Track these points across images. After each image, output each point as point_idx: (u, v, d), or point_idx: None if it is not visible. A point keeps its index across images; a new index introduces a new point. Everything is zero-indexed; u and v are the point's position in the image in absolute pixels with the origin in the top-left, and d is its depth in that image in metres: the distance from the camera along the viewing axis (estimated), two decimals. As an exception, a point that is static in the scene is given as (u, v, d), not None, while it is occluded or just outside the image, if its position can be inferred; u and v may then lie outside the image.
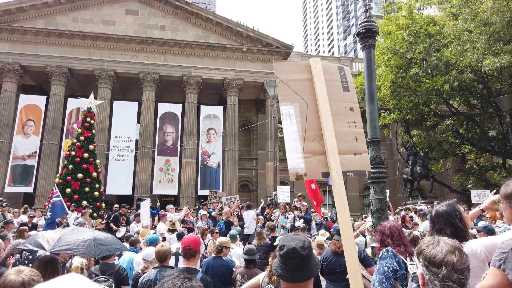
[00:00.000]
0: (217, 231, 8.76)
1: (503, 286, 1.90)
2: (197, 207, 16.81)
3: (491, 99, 19.39)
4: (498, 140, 20.43)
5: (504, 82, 18.53)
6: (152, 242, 6.14)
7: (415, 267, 3.09)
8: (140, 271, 5.23)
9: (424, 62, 19.44)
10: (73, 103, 22.38)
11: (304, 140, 2.28)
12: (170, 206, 12.83)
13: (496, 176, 22.12)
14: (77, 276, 0.69)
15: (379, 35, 7.30)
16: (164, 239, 8.43)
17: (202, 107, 24.21)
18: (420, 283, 1.67)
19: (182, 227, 10.73)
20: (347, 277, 4.58)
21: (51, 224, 10.04)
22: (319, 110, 2.34)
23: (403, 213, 13.40)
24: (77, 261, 4.35)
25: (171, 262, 5.81)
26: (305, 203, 13.01)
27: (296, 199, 14.67)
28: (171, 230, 8.82)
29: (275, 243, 7.31)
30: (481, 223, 9.68)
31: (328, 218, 12.77)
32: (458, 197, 23.87)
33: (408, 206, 16.14)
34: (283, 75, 2.43)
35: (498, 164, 21.74)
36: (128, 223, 13.11)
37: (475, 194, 15.12)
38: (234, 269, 5.45)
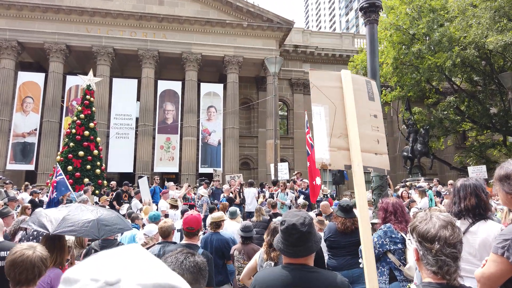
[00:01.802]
0: (217, 208, 8.85)
1: (505, 273, 1.90)
2: (197, 184, 16.93)
3: (494, 75, 19.21)
4: (500, 117, 20.37)
5: (507, 58, 18.32)
6: (154, 219, 6.22)
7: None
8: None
9: (427, 38, 19.16)
10: (72, 81, 22.20)
11: (331, 136, 2.59)
12: (171, 184, 12.93)
13: (496, 153, 22.16)
14: (139, 248, 0.68)
15: (382, 10, 7.14)
16: (166, 216, 8.54)
17: (202, 84, 24.02)
18: (415, 258, 1.70)
19: (184, 204, 10.84)
20: (360, 264, 4.66)
21: (56, 203, 10.11)
22: (346, 113, 2.66)
23: (401, 190, 13.52)
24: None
25: (176, 238, 5.91)
26: (306, 180, 13.09)
27: (294, 177, 14.78)
28: (174, 207, 8.92)
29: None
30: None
31: (328, 195, 12.87)
32: (458, 174, 23.99)
33: (407, 183, 16.26)
34: (317, 81, 2.71)
35: (498, 141, 21.75)
36: (130, 200, 13.21)
37: (472, 171, 15.31)
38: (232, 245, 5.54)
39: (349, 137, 2.58)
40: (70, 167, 14.35)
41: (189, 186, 13.51)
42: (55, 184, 10.43)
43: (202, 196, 12.13)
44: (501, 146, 21.14)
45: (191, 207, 10.82)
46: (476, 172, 15.17)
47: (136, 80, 23.02)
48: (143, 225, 8.08)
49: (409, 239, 1.79)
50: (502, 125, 20.34)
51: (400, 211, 3.73)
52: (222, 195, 12.68)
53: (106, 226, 3.75)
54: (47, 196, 12.65)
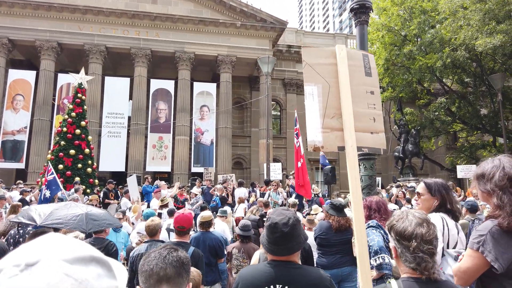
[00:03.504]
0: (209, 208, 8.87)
1: (480, 267, 1.97)
2: (189, 184, 16.90)
3: (484, 77, 19.43)
4: (490, 118, 20.61)
5: (497, 60, 18.53)
6: (148, 217, 6.24)
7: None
8: (134, 245, 5.31)
9: (418, 39, 19.34)
10: (63, 79, 22.03)
11: (324, 117, 2.45)
12: (162, 183, 12.90)
13: (486, 154, 22.40)
14: (59, 235, 0.71)
15: (372, 11, 7.21)
16: (160, 215, 8.52)
17: (195, 83, 23.98)
18: (393, 256, 1.74)
19: (174, 205, 10.80)
20: (355, 253, 4.71)
21: (47, 202, 10.04)
22: (340, 91, 2.50)
23: (394, 190, 13.63)
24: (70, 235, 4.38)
25: (165, 237, 5.91)
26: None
27: (291, 177, 14.83)
28: (163, 206, 8.92)
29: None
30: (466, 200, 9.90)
31: (319, 195, 12.92)
32: (449, 174, 24.24)
33: (399, 183, 16.40)
34: (310, 59, 2.56)
35: (488, 142, 22.01)
36: (117, 199, 13.12)
37: (461, 170, 15.49)
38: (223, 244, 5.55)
39: (343, 117, 2.47)
40: (61, 166, 14.26)
41: (182, 187, 13.43)
42: (46, 183, 10.37)
43: (196, 194, 12.18)
44: (491, 147, 21.38)
45: (179, 209, 10.77)
46: (465, 171, 15.36)
47: (128, 79, 22.90)
48: (132, 223, 8.07)
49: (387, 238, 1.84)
50: (492, 126, 20.58)
51: (384, 208, 3.78)
52: (215, 195, 12.68)
53: (95, 221, 3.77)
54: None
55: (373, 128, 2.60)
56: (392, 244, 1.74)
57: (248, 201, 12.59)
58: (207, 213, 5.82)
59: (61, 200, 10.26)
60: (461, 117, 21.31)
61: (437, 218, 2.74)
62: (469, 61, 18.78)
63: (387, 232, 1.78)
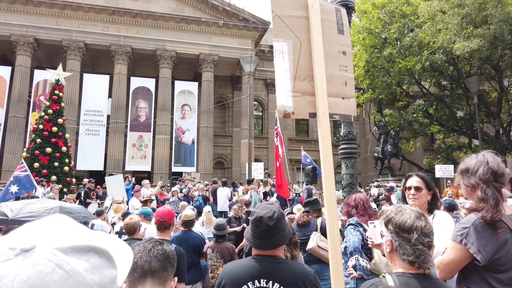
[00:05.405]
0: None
1: (463, 259, 1.99)
2: (169, 184, 16.72)
3: (461, 80, 19.94)
4: (465, 120, 21.17)
5: (473, 64, 19.04)
6: (146, 215, 6.17)
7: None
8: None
9: (398, 42, 19.70)
10: (40, 75, 21.41)
11: (295, 79, 2.23)
12: (146, 182, 12.73)
13: (462, 155, 23.00)
14: (61, 217, 0.70)
15: (355, 12, 7.29)
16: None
17: (176, 82, 23.74)
18: (388, 250, 1.72)
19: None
20: (307, 248, 4.73)
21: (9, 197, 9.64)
22: (312, 50, 2.27)
23: (374, 190, 13.84)
24: None
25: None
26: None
27: (274, 177, 14.83)
28: (146, 201, 8.78)
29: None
30: (442, 199, 10.14)
31: (300, 194, 12.98)
32: (427, 175, 24.80)
33: (378, 183, 16.64)
34: (279, 9, 2.31)
35: (464, 144, 22.59)
36: (98, 198, 12.91)
37: (439, 169, 15.87)
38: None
39: (315, 80, 2.23)
40: (36, 164, 13.88)
41: (163, 187, 13.28)
42: (13, 178, 10.00)
43: (179, 192, 12.13)
44: (467, 149, 21.94)
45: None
46: (443, 171, 15.75)
47: (108, 76, 22.48)
48: (113, 223, 7.93)
49: (381, 231, 1.81)
50: (467, 128, 21.14)
51: (362, 204, 3.79)
52: (196, 194, 12.60)
53: (69, 213, 3.67)
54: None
55: (345, 93, 2.38)
56: (388, 237, 1.71)
57: (230, 200, 12.55)
58: (189, 212, 5.74)
59: (36, 198, 9.95)
60: (438, 119, 21.81)
61: (448, 218, 2.71)
62: (446, 65, 19.24)
63: (384, 226, 1.74)
